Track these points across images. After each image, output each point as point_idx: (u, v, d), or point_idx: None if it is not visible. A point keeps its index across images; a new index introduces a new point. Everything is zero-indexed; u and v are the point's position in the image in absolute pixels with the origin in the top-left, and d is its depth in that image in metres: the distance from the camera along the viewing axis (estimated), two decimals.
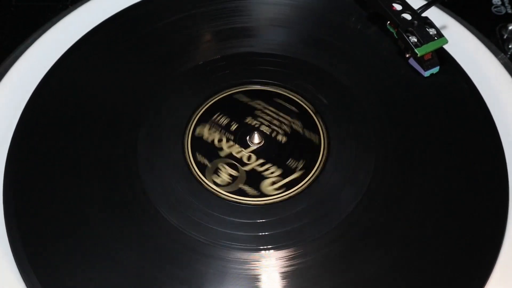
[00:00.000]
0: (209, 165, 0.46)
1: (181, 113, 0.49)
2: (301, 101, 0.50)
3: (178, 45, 0.54)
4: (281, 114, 0.49)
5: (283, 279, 0.41)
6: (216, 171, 0.46)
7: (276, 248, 0.42)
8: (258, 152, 0.47)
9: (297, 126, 0.48)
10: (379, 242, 0.42)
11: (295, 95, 0.50)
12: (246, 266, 0.41)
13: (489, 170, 0.46)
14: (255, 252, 0.42)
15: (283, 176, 0.46)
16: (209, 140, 0.47)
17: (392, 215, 0.43)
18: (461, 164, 0.46)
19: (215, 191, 0.45)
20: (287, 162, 0.46)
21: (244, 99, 0.50)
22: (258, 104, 0.49)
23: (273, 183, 0.45)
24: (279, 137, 0.48)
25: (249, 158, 0.47)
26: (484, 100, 0.50)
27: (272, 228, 0.43)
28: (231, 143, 0.47)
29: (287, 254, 0.42)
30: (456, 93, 0.50)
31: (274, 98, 0.50)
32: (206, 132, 0.48)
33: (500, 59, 0.54)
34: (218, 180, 0.45)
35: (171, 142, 0.47)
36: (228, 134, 0.48)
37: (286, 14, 0.56)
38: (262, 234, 0.43)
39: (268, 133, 0.48)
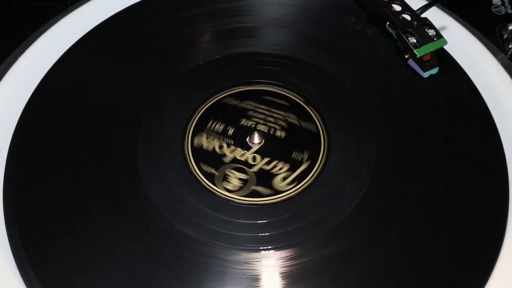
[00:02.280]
0: (216, 173, 0.46)
1: (176, 125, 0.48)
2: (290, 94, 0.50)
3: (178, 45, 0.54)
4: (273, 110, 0.49)
5: (283, 279, 0.41)
6: (225, 178, 0.45)
7: (276, 248, 0.42)
8: (261, 152, 0.47)
9: (292, 119, 0.48)
10: (379, 242, 0.42)
11: (283, 89, 0.50)
12: (246, 266, 0.41)
13: (489, 170, 0.46)
14: (255, 252, 0.42)
15: (292, 170, 0.46)
16: (210, 148, 0.47)
17: (392, 216, 0.43)
18: (461, 164, 0.46)
19: (229, 197, 0.45)
20: (292, 156, 0.46)
21: (234, 102, 0.50)
22: (249, 104, 0.49)
23: (284, 178, 0.45)
24: (278, 133, 0.48)
25: (254, 159, 0.47)
26: (484, 100, 0.49)
27: (272, 228, 0.43)
28: (232, 147, 0.47)
29: (287, 254, 0.42)
30: (456, 94, 0.50)
31: (262, 96, 0.50)
32: (205, 141, 0.47)
33: (500, 59, 0.54)
34: (229, 186, 0.45)
35: (172, 152, 0.47)
36: (227, 139, 0.48)
37: (285, 14, 0.56)
38: (262, 235, 0.43)
39: (266, 131, 0.48)
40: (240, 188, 0.45)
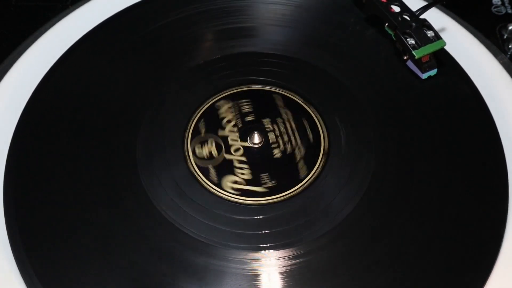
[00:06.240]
0: (202, 134, 0.47)
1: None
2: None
3: (178, 45, 0.54)
4: (296, 134, 0.48)
5: (283, 279, 0.41)
6: (203, 142, 0.47)
7: (276, 247, 0.42)
8: (248, 150, 0.47)
9: (299, 153, 0.47)
10: (379, 242, 0.42)
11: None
12: (246, 266, 0.41)
13: (489, 170, 0.46)
14: (255, 251, 0.42)
15: (247, 182, 0.45)
16: (221, 116, 0.48)
17: (392, 215, 0.43)
18: (461, 164, 0.46)
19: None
20: (262, 174, 0.46)
21: (280, 102, 0.50)
22: (286, 114, 0.49)
23: (235, 182, 0.45)
24: (276, 151, 0.47)
25: (237, 150, 0.47)
26: (484, 100, 0.50)
27: (272, 228, 0.43)
28: (235, 129, 0.48)
29: (287, 254, 0.42)
30: (456, 94, 0.50)
31: (302, 117, 0.49)
32: (225, 109, 0.49)
33: (500, 59, 0.54)
34: (197, 150, 0.47)
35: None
36: (239, 121, 0.48)
37: (285, 14, 0.56)
38: (262, 234, 0.43)
39: (270, 141, 0.48)
40: (202, 158, 0.46)
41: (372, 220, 0.43)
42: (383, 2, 0.52)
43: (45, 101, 0.50)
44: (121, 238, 0.42)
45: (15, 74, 0.52)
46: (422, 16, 0.50)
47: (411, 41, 0.49)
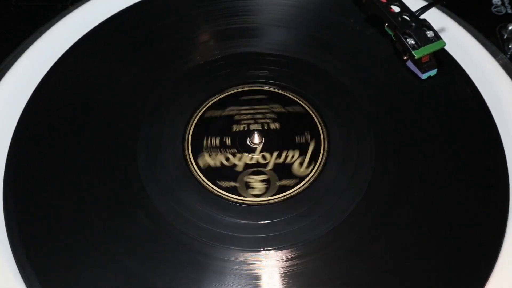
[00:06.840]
0: (237, 184, 0.45)
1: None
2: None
3: (178, 45, 0.54)
4: (256, 107, 0.49)
5: (283, 280, 0.41)
6: (248, 186, 0.45)
7: (276, 248, 0.42)
8: (267, 149, 0.47)
9: (278, 108, 0.49)
10: (379, 242, 0.42)
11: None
12: (246, 267, 0.41)
13: (489, 170, 0.46)
14: (255, 252, 0.42)
15: (303, 153, 0.46)
16: (218, 164, 0.47)
17: (392, 216, 0.44)
18: (461, 164, 0.46)
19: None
20: (297, 141, 0.47)
21: (216, 113, 0.49)
22: (231, 110, 0.49)
23: (301, 164, 0.46)
24: (272, 126, 0.48)
25: (264, 158, 0.47)
26: (484, 100, 0.50)
27: (272, 228, 0.43)
28: (238, 155, 0.47)
29: (287, 255, 0.42)
30: (456, 94, 0.50)
31: (240, 97, 0.50)
32: (210, 160, 0.47)
33: (499, 60, 0.54)
34: (256, 192, 0.45)
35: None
36: (229, 150, 0.47)
37: (285, 14, 0.56)
38: (262, 234, 0.43)
39: (260, 128, 0.48)
40: (267, 189, 0.45)
41: (372, 221, 0.43)
42: (383, 2, 0.52)
43: (45, 101, 0.50)
44: (121, 238, 0.42)
45: (15, 74, 0.52)
46: (422, 16, 0.51)
47: (411, 41, 0.49)
